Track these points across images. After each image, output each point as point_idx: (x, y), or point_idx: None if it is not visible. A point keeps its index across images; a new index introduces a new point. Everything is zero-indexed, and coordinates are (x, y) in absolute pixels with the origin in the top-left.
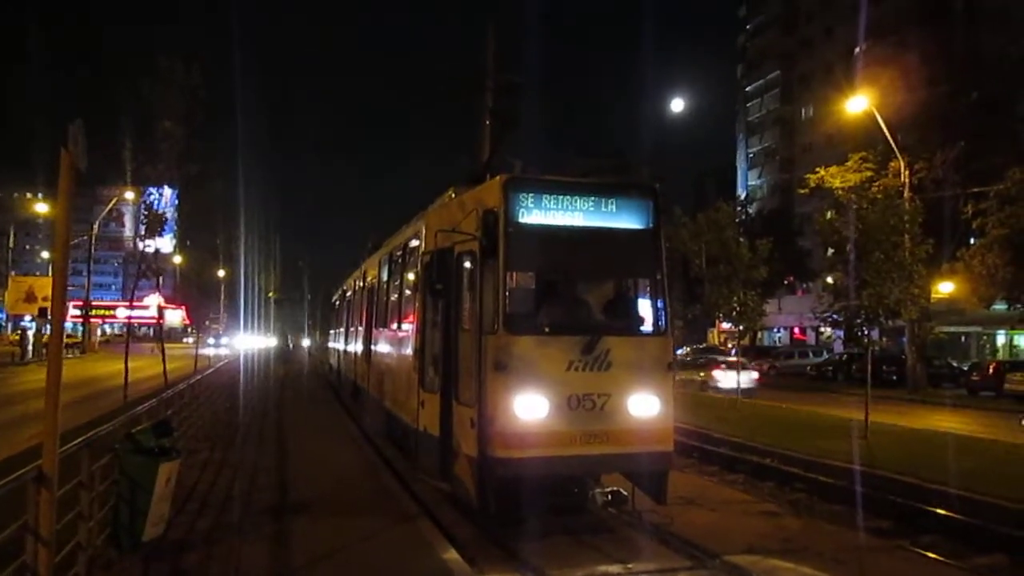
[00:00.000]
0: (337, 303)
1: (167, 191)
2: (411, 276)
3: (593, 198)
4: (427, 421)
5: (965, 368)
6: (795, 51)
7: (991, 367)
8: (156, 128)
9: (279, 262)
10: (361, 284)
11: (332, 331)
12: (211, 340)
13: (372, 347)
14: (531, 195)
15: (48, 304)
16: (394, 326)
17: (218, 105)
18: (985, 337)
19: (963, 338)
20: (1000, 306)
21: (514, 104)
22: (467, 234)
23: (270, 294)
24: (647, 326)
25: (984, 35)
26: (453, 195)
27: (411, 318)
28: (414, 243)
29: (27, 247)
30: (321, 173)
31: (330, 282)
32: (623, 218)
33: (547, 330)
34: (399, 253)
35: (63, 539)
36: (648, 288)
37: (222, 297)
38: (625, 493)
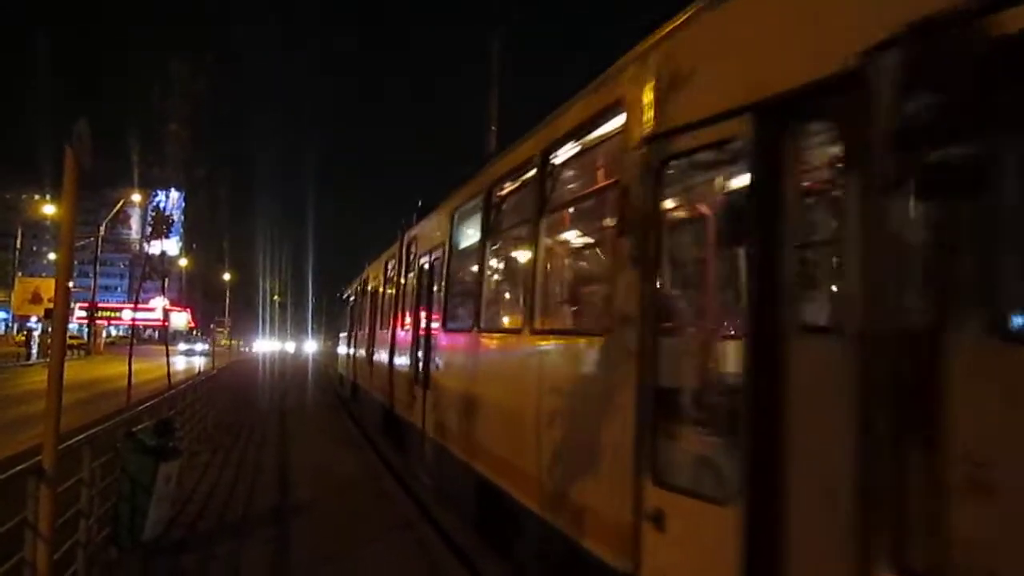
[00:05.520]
0: (353, 298)
1: (174, 194)
2: (585, 223)
3: None
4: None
5: None
6: None
7: None
8: (163, 131)
9: (286, 265)
10: (401, 266)
11: (345, 334)
12: (182, 345)
13: (434, 362)
14: None
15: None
16: (505, 326)
17: (223, 106)
18: None
19: None
20: None
21: None
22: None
23: (275, 297)
24: None
25: None
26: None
27: (585, 312)
28: (594, 137)
29: (34, 248)
30: (328, 175)
31: (332, 286)
32: None
33: None
34: (534, 177)
35: (63, 536)
36: None
37: (227, 300)
38: None
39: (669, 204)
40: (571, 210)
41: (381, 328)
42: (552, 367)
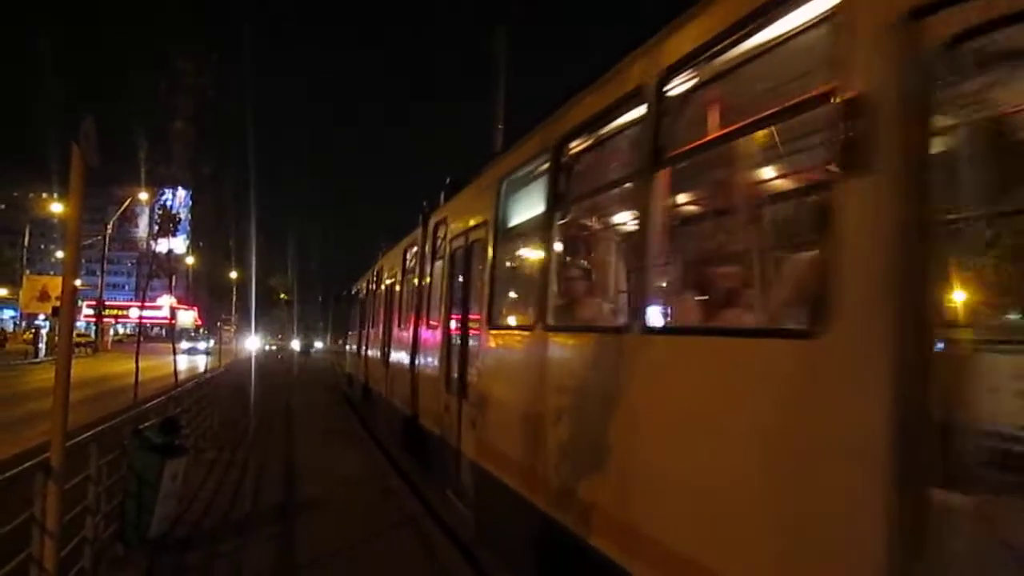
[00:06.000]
0: (363, 293)
1: (181, 192)
2: None
3: None
4: None
5: None
6: None
7: None
8: (169, 129)
9: (292, 263)
10: (425, 254)
11: (355, 331)
12: (184, 343)
13: (474, 366)
14: None
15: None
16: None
17: (229, 106)
18: None
19: None
20: None
21: None
22: None
23: (282, 296)
24: None
25: None
26: None
27: None
28: None
29: (42, 247)
30: (329, 174)
31: (336, 284)
32: None
33: None
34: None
35: (70, 533)
36: None
37: (234, 298)
38: None
39: (964, 115)
40: (718, 150)
41: (400, 325)
42: (691, 383)
